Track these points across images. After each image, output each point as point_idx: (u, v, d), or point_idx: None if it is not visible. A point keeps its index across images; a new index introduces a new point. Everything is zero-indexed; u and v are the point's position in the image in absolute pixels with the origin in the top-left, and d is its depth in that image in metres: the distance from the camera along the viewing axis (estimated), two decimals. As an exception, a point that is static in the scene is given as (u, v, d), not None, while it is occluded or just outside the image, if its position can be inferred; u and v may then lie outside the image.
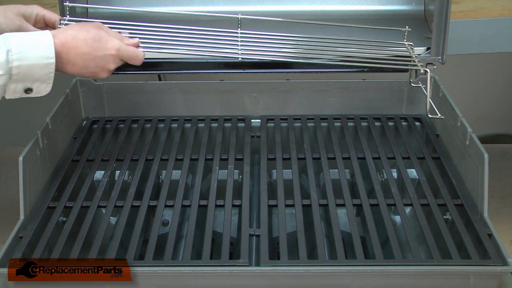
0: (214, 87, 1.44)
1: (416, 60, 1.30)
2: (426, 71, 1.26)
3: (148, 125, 1.40)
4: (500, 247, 0.97)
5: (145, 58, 1.14)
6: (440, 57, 1.36)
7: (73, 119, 1.39)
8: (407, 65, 1.30)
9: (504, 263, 0.94)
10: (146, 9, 1.34)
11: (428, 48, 1.37)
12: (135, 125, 1.40)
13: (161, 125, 1.40)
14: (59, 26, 1.18)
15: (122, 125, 1.40)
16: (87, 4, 1.41)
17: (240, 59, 1.22)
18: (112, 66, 1.09)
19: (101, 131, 1.39)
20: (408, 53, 1.32)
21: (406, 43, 1.35)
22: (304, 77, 1.43)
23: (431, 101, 1.25)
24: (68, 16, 1.25)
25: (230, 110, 1.44)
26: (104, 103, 1.45)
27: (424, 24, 1.45)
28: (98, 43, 1.06)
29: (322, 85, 1.43)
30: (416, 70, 1.35)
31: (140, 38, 1.16)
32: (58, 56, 1.01)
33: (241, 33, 1.27)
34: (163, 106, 1.45)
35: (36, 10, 1.18)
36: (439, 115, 1.21)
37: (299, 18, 1.41)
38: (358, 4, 1.50)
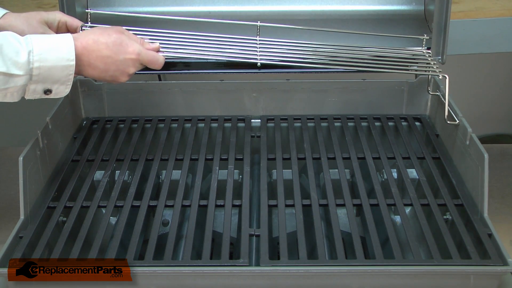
0: (214, 87, 1.44)
1: (435, 67, 1.31)
2: (444, 77, 1.26)
3: (148, 125, 1.40)
4: (500, 247, 0.97)
5: None
6: (440, 57, 1.37)
7: (73, 119, 1.39)
8: (425, 71, 1.32)
9: (504, 263, 0.94)
10: (166, 16, 1.35)
11: (428, 48, 1.37)
12: (135, 125, 1.40)
13: (161, 125, 1.40)
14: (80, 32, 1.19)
15: (122, 125, 1.40)
16: (107, 10, 1.41)
17: (259, 64, 1.24)
18: (132, 70, 1.09)
19: (101, 131, 1.38)
20: (427, 59, 1.34)
21: (424, 50, 1.36)
22: (304, 77, 1.43)
23: (449, 108, 1.25)
24: (89, 22, 1.25)
25: (230, 110, 1.44)
26: (104, 103, 1.44)
27: (424, 24, 1.45)
28: (119, 46, 1.06)
29: (322, 85, 1.43)
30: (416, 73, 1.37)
31: (160, 43, 1.17)
32: (79, 59, 1.02)
33: (259, 39, 1.30)
34: (163, 106, 1.45)
35: (59, 16, 1.19)
36: (457, 121, 1.21)
37: (299, 18, 1.41)
38: (358, 4, 1.50)
